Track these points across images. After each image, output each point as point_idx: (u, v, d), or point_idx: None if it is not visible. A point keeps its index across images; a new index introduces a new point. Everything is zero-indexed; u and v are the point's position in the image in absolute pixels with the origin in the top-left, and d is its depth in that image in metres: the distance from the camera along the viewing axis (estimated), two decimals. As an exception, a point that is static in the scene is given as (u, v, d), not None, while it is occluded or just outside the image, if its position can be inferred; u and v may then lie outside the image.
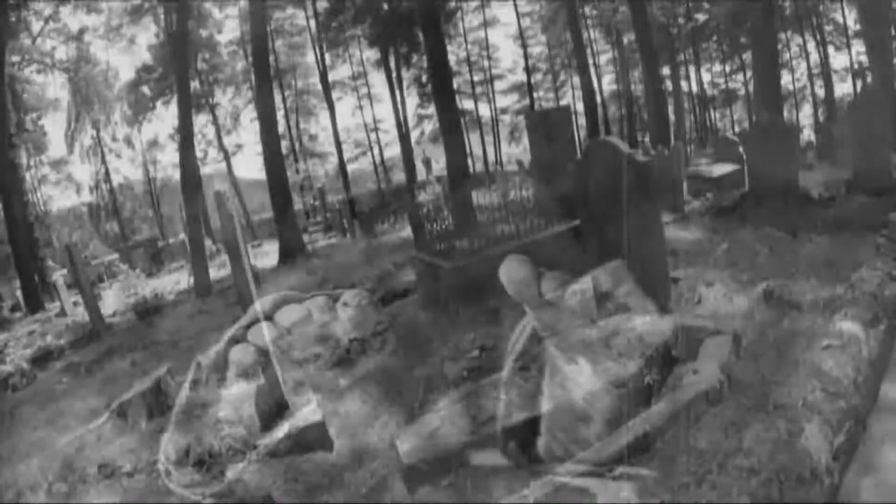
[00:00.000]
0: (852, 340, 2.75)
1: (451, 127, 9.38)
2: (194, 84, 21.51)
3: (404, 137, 24.13)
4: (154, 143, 25.99)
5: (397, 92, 24.24)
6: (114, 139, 25.41)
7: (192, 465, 2.80)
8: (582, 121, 19.56)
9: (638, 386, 2.46)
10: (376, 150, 28.18)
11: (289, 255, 11.09)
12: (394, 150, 27.45)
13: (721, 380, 2.54)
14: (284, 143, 22.65)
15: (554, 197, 5.10)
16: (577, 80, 23.79)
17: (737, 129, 25.12)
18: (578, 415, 2.41)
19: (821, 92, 23.52)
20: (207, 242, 12.82)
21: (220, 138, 25.39)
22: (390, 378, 3.67)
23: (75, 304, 10.40)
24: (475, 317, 4.13)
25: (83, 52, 22.08)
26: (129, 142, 25.51)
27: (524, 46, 28.10)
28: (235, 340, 3.54)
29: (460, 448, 2.63)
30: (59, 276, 11.78)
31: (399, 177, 25.45)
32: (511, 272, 2.87)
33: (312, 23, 24.44)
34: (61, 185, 24.75)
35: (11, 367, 5.72)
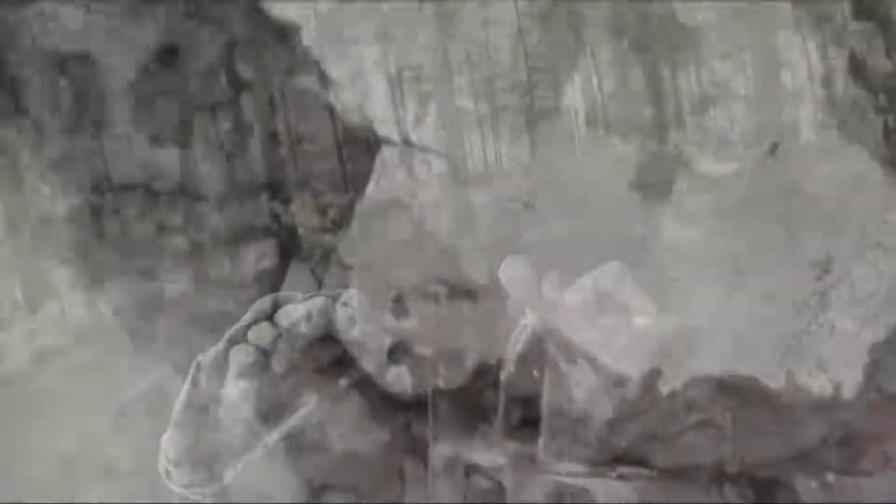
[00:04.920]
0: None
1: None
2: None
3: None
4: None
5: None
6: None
7: (192, 465, 2.80)
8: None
9: (638, 386, 2.46)
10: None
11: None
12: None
13: (721, 380, 2.54)
14: (284, 143, 22.72)
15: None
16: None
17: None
18: (578, 415, 2.41)
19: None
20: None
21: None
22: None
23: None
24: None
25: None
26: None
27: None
28: (235, 340, 3.54)
29: (461, 448, 2.64)
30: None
31: (399, 176, 25.49)
32: (511, 272, 2.87)
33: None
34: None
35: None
